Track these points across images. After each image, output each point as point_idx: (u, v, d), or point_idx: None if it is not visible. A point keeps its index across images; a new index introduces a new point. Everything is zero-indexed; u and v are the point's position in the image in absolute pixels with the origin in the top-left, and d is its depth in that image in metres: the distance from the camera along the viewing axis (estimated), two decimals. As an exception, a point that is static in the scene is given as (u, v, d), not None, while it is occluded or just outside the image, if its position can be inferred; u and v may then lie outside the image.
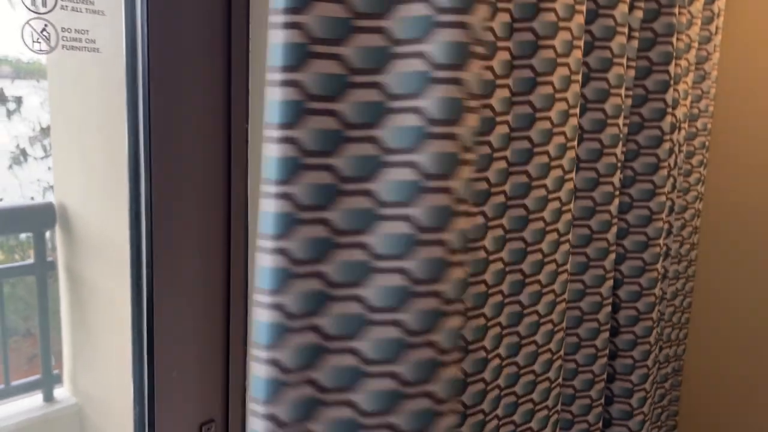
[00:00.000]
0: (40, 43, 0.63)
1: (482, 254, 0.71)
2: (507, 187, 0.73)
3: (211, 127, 0.76)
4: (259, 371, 0.48)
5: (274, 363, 0.48)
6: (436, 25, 0.47)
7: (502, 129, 0.71)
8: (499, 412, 0.78)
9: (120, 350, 1.59)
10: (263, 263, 0.48)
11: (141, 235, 0.75)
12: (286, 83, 0.46)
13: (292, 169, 0.47)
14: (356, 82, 0.48)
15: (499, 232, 0.73)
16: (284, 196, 0.47)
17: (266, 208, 0.47)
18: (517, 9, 0.70)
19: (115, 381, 1.64)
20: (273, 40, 0.47)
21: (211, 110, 0.75)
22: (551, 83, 0.74)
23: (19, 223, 1.90)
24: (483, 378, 0.73)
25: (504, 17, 0.70)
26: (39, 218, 1.76)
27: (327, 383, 0.49)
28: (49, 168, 2.02)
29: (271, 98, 0.47)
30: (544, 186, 0.76)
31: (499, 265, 0.74)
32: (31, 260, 1.85)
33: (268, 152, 0.48)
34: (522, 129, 0.73)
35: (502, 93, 0.70)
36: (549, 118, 0.75)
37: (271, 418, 0.48)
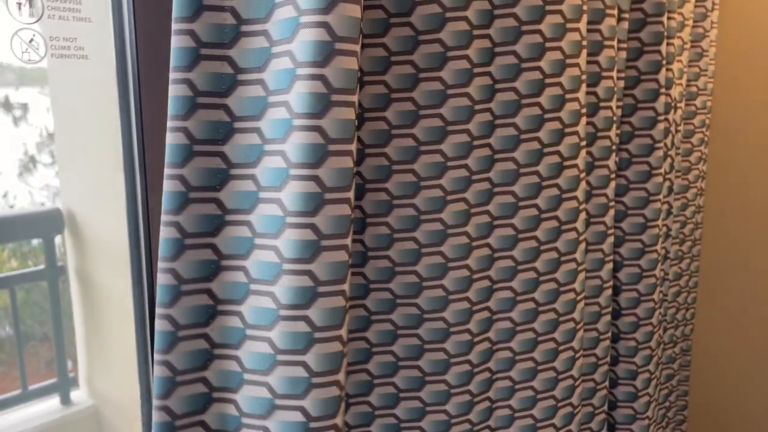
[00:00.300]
0: (29, 52, 0.64)
1: (464, 240, 0.71)
2: (492, 174, 0.74)
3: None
4: (158, 326, 0.55)
5: (168, 318, 0.54)
6: (299, 25, 0.52)
7: (483, 117, 0.71)
8: (492, 394, 0.79)
9: (133, 351, 1.62)
10: (162, 235, 0.54)
11: (139, 235, 0.76)
12: (179, 81, 0.53)
13: (184, 155, 0.54)
14: (242, 79, 0.54)
15: (485, 218, 0.74)
16: (177, 177, 0.54)
17: (165, 187, 0.54)
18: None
19: (130, 381, 1.67)
20: (172, 44, 0.53)
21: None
22: (539, 68, 0.74)
23: (28, 229, 1.93)
24: (468, 360, 0.74)
25: (482, 5, 0.70)
26: (47, 224, 1.79)
27: (217, 340, 0.56)
28: (55, 174, 2.05)
29: (170, 94, 0.54)
30: (536, 173, 0.76)
31: (486, 251, 0.74)
32: (42, 266, 1.87)
33: (167, 140, 0.54)
34: (507, 116, 0.74)
35: (482, 81, 0.71)
36: (539, 104, 0.75)
37: (167, 364, 0.55)
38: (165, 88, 0.72)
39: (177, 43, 0.53)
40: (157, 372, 0.55)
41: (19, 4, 0.62)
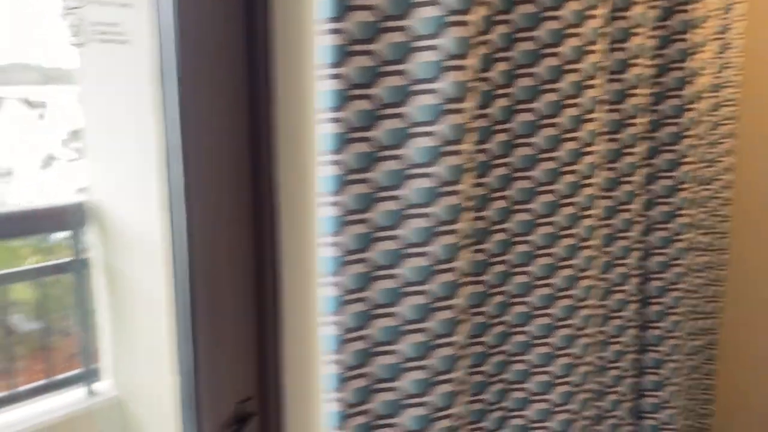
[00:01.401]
0: (73, 37, 0.66)
1: (484, 224, 0.75)
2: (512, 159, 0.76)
3: (240, 115, 0.78)
4: (330, 331, 0.62)
5: (337, 324, 0.62)
6: (446, 24, 0.60)
7: (502, 101, 0.73)
8: (508, 375, 0.81)
9: (155, 342, 1.64)
10: (324, 214, 0.61)
11: (177, 223, 0.77)
12: (333, 76, 0.59)
13: (341, 141, 0.60)
14: (387, 71, 0.61)
15: (503, 203, 0.76)
16: (337, 163, 0.61)
17: (325, 172, 0.61)
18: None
19: (152, 373, 1.69)
20: (322, 43, 0.59)
21: (239, 98, 0.77)
22: (557, 54, 0.75)
23: (55, 223, 1.96)
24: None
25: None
26: (74, 217, 1.82)
27: (378, 338, 0.64)
28: (81, 169, 2.08)
29: (323, 88, 0.60)
30: (554, 158, 0.77)
31: (502, 236, 0.77)
32: (67, 259, 1.91)
33: (325, 129, 0.60)
34: (527, 101, 0.75)
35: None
36: (556, 90, 0.76)
37: (339, 362, 0.63)
38: (205, 74, 0.73)
39: (328, 41, 0.58)
40: (333, 369, 0.63)
41: (65, -11, 0.63)
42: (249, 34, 0.76)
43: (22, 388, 1.82)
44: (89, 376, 1.87)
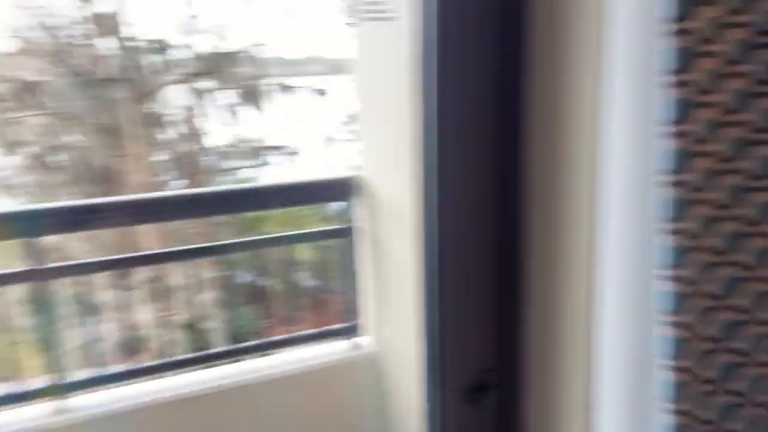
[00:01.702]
0: (349, 17, 0.72)
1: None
2: None
3: (491, 94, 0.77)
4: (668, 332, 0.60)
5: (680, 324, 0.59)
6: None
7: None
8: None
9: (409, 306, 1.76)
10: (662, 197, 0.59)
11: (429, 197, 0.80)
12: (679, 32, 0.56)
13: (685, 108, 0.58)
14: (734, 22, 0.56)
15: None
16: (678, 135, 0.58)
17: (666, 147, 0.59)
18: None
19: (405, 333, 1.82)
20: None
21: (492, 76, 0.76)
22: None
23: (331, 194, 2.23)
24: None
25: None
26: (347, 190, 2.03)
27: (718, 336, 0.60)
28: (355, 148, 2.32)
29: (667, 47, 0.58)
30: None
31: None
32: (340, 226, 2.14)
33: (671, 95, 0.58)
34: None
35: None
36: None
37: (683, 369, 0.60)
38: (464, 51, 0.74)
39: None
40: (671, 375, 0.61)
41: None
42: (505, 14, 0.75)
43: (300, 334, 2.12)
44: (353, 330, 2.10)
